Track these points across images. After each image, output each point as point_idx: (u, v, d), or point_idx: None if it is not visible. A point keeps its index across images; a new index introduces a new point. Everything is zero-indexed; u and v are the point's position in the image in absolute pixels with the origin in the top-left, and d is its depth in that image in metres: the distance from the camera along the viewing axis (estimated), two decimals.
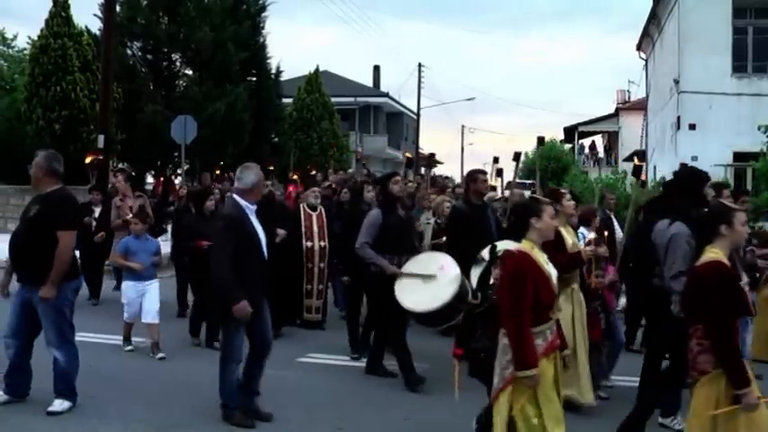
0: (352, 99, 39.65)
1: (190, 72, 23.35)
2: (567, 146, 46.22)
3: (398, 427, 5.60)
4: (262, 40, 24.75)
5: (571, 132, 44.88)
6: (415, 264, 6.40)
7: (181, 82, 23.52)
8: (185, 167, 19.07)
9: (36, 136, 18.88)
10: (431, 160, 14.12)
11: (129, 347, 7.56)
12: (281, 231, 8.17)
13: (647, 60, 28.37)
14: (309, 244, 8.57)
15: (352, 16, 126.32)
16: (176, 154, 20.49)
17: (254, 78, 24.37)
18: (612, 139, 42.30)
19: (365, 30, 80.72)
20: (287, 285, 8.26)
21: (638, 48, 28.53)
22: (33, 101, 19.07)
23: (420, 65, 44.01)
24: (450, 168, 69.07)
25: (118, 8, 18.84)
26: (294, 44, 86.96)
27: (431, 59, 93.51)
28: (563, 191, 6.42)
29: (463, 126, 58.88)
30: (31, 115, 19.00)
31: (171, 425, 5.38)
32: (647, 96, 28.99)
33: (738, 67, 20.01)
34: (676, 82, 20.51)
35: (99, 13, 20.10)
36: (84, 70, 19.53)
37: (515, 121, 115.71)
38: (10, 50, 31.04)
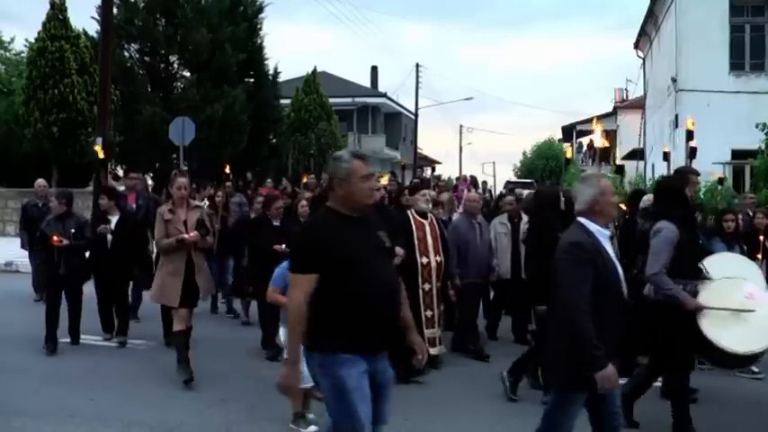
0: (350, 100, 39.65)
1: (187, 74, 23.34)
2: (566, 144, 46.27)
3: (398, 427, 5.59)
4: (259, 41, 24.75)
5: (569, 131, 44.96)
6: (714, 292, 5.16)
7: (178, 84, 23.50)
8: (184, 169, 19.06)
9: (34, 139, 18.91)
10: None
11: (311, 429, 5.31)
12: (399, 250, 6.26)
13: (644, 59, 28.40)
14: (425, 260, 6.97)
15: (350, 17, 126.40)
16: (175, 155, 20.48)
17: (252, 80, 24.37)
18: (611, 138, 42.31)
19: (362, 30, 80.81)
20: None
21: (636, 46, 28.56)
22: (31, 104, 19.09)
23: (417, 65, 43.96)
24: (448, 168, 69.29)
25: (115, 10, 18.79)
26: (292, 45, 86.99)
27: (428, 59, 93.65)
28: None
29: (461, 126, 58.82)
30: (29, 118, 19.02)
31: (171, 425, 5.38)
32: (645, 95, 29.02)
33: (736, 65, 20.02)
34: (674, 80, 20.52)
35: (96, 16, 20.11)
36: (82, 73, 19.55)
37: (513, 120, 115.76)
38: (7, 53, 31.06)
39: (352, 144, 37.27)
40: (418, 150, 45.22)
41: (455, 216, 9.24)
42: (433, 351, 6.85)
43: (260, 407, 5.82)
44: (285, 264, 5.29)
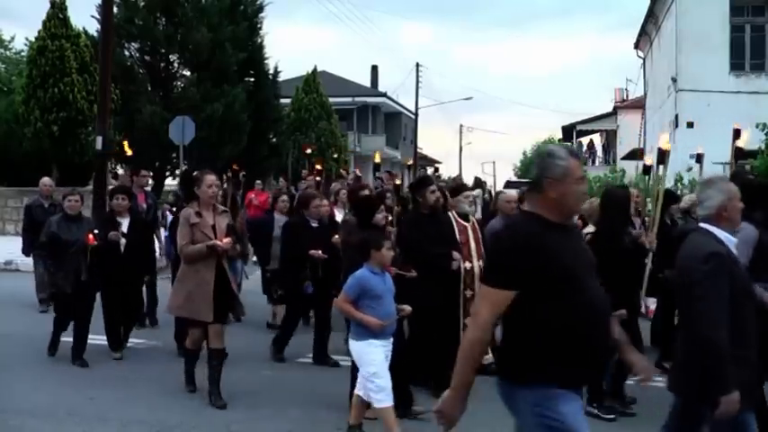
0: (350, 99, 39.64)
1: (188, 73, 23.33)
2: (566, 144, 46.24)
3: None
4: (259, 40, 24.74)
5: (569, 131, 44.92)
6: None
7: (179, 83, 23.49)
8: (184, 168, 19.05)
9: (34, 138, 18.89)
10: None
11: None
12: (457, 255, 6.39)
13: (644, 59, 28.40)
14: (468, 265, 6.62)
15: (350, 16, 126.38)
16: (174, 155, 20.47)
17: (252, 79, 24.36)
18: (611, 138, 42.32)
19: (363, 30, 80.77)
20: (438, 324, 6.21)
21: (636, 46, 28.56)
22: (31, 103, 19.08)
23: (418, 64, 43.99)
24: (449, 168, 69.13)
25: (115, 9, 18.76)
26: (292, 44, 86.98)
27: (428, 59, 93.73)
28: None
29: (461, 125, 58.84)
30: (29, 117, 19.01)
31: (171, 425, 5.37)
32: (645, 95, 29.02)
33: (736, 65, 20.04)
34: (674, 80, 20.53)
35: (96, 15, 20.06)
36: (82, 72, 19.54)
37: (513, 120, 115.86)
38: (7, 52, 31.07)
39: (351, 144, 37.24)
40: (418, 150, 45.21)
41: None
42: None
43: (260, 406, 5.82)
44: (362, 271, 4.95)
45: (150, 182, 22.37)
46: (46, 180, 10.37)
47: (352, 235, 5.78)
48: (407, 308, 5.21)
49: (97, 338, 7.90)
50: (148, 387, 6.28)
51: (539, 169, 3.03)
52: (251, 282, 9.95)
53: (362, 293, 4.89)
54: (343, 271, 5.58)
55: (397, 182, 9.50)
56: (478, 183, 17.49)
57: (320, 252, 7.05)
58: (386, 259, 5.01)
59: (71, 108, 18.99)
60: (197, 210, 5.89)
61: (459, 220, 6.76)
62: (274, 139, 26.06)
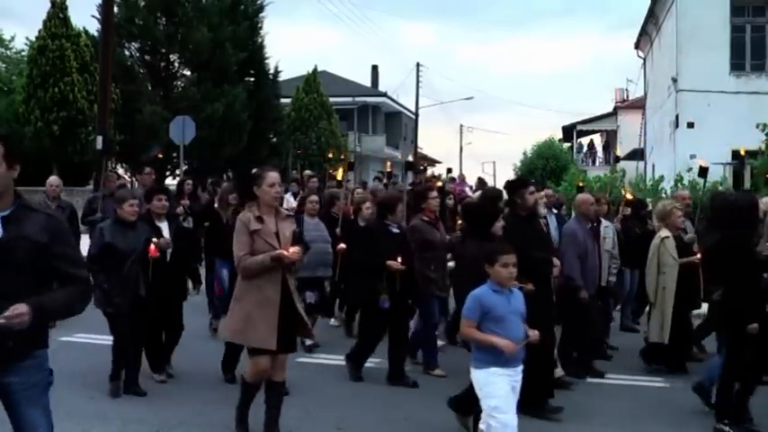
0: (350, 99, 39.63)
1: (188, 72, 23.37)
2: (566, 145, 46.25)
3: (398, 427, 5.60)
4: (260, 40, 24.79)
5: (570, 131, 44.93)
6: None
7: (179, 82, 23.53)
8: (184, 168, 19.08)
9: (35, 137, 18.91)
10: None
11: None
12: (557, 261, 6.29)
13: (645, 59, 28.40)
14: None
15: (350, 16, 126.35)
16: (175, 154, 20.48)
17: (253, 79, 24.40)
18: (611, 138, 42.34)
19: (363, 29, 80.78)
20: None
21: (637, 46, 28.56)
22: (31, 102, 19.10)
23: (418, 64, 44.01)
24: (451, 171, 69.06)
25: (116, 9, 18.80)
26: (292, 44, 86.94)
27: (429, 59, 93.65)
28: None
29: (461, 125, 58.88)
30: (29, 116, 19.03)
31: (171, 425, 5.37)
32: (646, 95, 29.03)
33: (737, 66, 20.03)
34: (674, 80, 20.52)
35: (97, 14, 20.10)
36: (83, 71, 19.56)
37: (514, 120, 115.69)
38: (8, 52, 31.03)
39: (351, 143, 37.23)
40: (418, 150, 45.21)
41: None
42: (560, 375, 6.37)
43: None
44: (481, 290, 4.37)
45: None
46: (53, 179, 9.33)
47: (468, 246, 5.23)
48: (535, 333, 4.44)
49: (97, 338, 7.89)
50: (148, 386, 6.27)
51: None
52: None
53: (483, 315, 4.31)
54: (457, 289, 5.15)
55: (439, 183, 9.35)
56: (482, 183, 17.49)
57: (399, 262, 6.38)
58: (510, 275, 4.42)
59: (71, 108, 19.01)
60: (258, 214, 4.92)
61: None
62: (274, 139, 26.10)
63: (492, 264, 4.37)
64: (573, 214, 8.19)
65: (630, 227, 8.89)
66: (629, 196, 9.35)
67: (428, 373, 6.87)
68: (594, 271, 7.09)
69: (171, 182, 22.45)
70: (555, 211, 9.13)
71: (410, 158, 9.48)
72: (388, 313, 6.45)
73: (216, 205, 8.68)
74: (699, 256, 6.89)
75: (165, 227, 6.38)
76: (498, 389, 4.26)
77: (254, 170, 5.17)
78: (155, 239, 6.05)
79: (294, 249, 4.83)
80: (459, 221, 7.16)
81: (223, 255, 7.42)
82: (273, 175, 4.98)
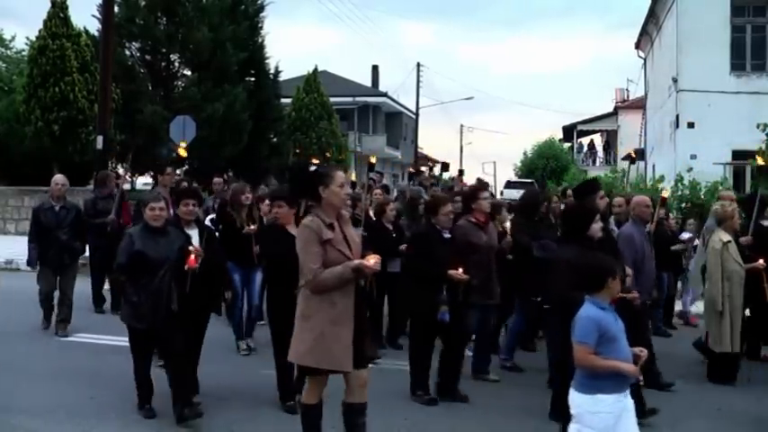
0: (350, 99, 39.64)
1: (188, 72, 23.35)
2: (567, 144, 46.28)
3: (398, 427, 5.59)
4: (260, 40, 24.75)
5: (570, 131, 44.95)
6: None
7: (179, 82, 23.51)
8: (184, 168, 19.07)
9: (35, 137, 18.90)
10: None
11: None
12: (629, 271, 5.90)
13: (645, 59, 28.41)
14: None
15: (350, 16, 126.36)
16: (175, 154, 20.48)
17: (253, 78, 24.37)
18: (611, 138, 42.35)
19: (363, 29, 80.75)
20: None
21: (637, 46, 28.57)
22: (32, 102, 19.08)
23: (419, 64, 44.04)
24: (449, 168, 69.02)
25: (116, 9, 18.79)
26: (292, 44, 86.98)
27: (429, 59, 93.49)
28: None
29: (462, 125, 58.97)
30: (29, 116, 19.01)
31: (171, 425, 5.37)
32: (646, 95, 29.03)
33: (737, 66, 20.03)
34: (675, 80, 20.52)
35: (97, 14, 20.07)
36: (83, 71, 19.54)
37: (514, 120, 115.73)
38: (8, 51, 31.06)
39: (352, 143, 37.23)
40: (419, 150, 45.22)
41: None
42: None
43: (260, 406, 5.82)
44: (593, 310, 3.85)
45: (150, 180, 22.45)
46: (59, 178, 8.46)
47: (564, 250, 4.79)
48: (643, 351, 3.98)
49: (98, 338, 7.90)
50: None
51: None
52: None
53: (598, 339, 3.83)
54: (550, 301, 4.78)
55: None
56: (482, 184, 17.46)
57: (461, 271, 5.95)
58: (618, 290, 4.02)
59: (72, 107, 18.99)
60: (329, 220, 4.35)
61: None
62: (275, 139, 26.07)
63: (615, 276, 3.96)
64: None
65: (665, 229, 8.75)
66: (665, 194, 8.47)
67: (480, 378, 6.74)
68: (651, 276, 6.70)
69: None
70: None
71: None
72: (445, 326, 6.01)
73: (228, 207, 7.90)
74: (761, 261, 6.89)
75: (194, 234, 5.84)
76: (600, 421, 3.80)
77: (315, 168, 4.64)
78: (191, 247, 5.52)
79: (374, 258, 4.29)
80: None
81: (237, 260, 7.31)
82: (342, 175, 4.47)
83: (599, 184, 6.82)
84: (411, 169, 11.71)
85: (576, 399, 3.90)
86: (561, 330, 4.42)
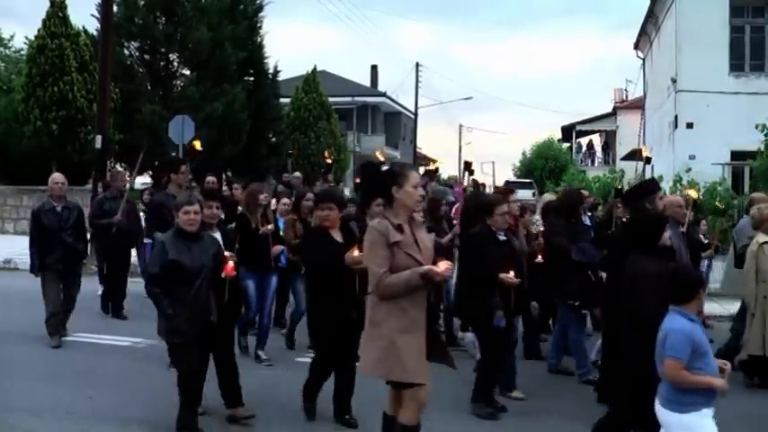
0: (349, 99, 39.63)
1: (187, 72, 23.33)
2: (565, 145, 46.30)
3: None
4: (259, 39, 24.74)
5: (569, 131, 44.97)
6: None
7: (178, 82, 23.50)
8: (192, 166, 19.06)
9: (34, 136, 18.90)
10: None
11: None
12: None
13: (644, 59, 28.42)
14: None
15: (350, 16, 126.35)
16: (174, 154, 20.47)
17: (252, 78, 24.36)
18: (610, 138, 42.38)
19: (362, 29, 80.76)
20: None
21: (636, 46, 28.58)
22: (31, 101, 19.07)
23: (417, 64, 44.08)
24: (448, 168, 69.03)
25: (115, 8, 18.77)
26: (291, 44, 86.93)
27: (428, 59, 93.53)
28: None
29: (461, 125, 58.90)
30: (28, 116, 19.00)
31: (171, 425, 5.37)
32: (645, 95, 29.05)
33: (736, 66, 20.04)
34: (674, 81, 20.54)
35: (96, 14, 20.08)
36: (82, 70, 19.53)
37: (513, 119, 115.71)
38: (7, 51, 31.02)
39: (351, 143, 37.22)
40: (418, 150, 45.22)
41: None
42: None
43: (260, 407, 5.81)
44: (685, 323, 3.74)
45: (149, 180, 22.41)
46: (58, 176, 7.97)
47: (641, 264, 4.58)
48: (726, 363, 3.90)
49: (98, 338, 7.89)
50: (148, 386, 6.27)
51: None
52: None
53: (691, 352, 3.72)
54: (636, 318, 4.47)
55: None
56: (477, 186, 17.45)
57: (512, 275, 5.75)
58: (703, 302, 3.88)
59: (71, 107, 18.99)
60: (397, 222, 4.06)
61: None
62: (274, 139, 26.06)
63: (699, 291, 3.84)
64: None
65: (695, 231, 8.58)
66: (693, 194, 8.11)
67: (505, 395, 6.30)
68: None
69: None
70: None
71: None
72: (505, 332, 5.85)
73: (241, 208, 7.59)
74: None
75: (217, 238, 5.46)
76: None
77: (389, 167, 4.35)
78: (227, 253, 5.20)
79: (445, 264, 4.03)
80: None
81: (252, 266, 6.96)
82: (417, 175, 4.21)
83: (658, 183, 6.58)
84: (466, 161, 11.24)
85: (682, 419, 3.77)
86: (641, 346, 4.24)
